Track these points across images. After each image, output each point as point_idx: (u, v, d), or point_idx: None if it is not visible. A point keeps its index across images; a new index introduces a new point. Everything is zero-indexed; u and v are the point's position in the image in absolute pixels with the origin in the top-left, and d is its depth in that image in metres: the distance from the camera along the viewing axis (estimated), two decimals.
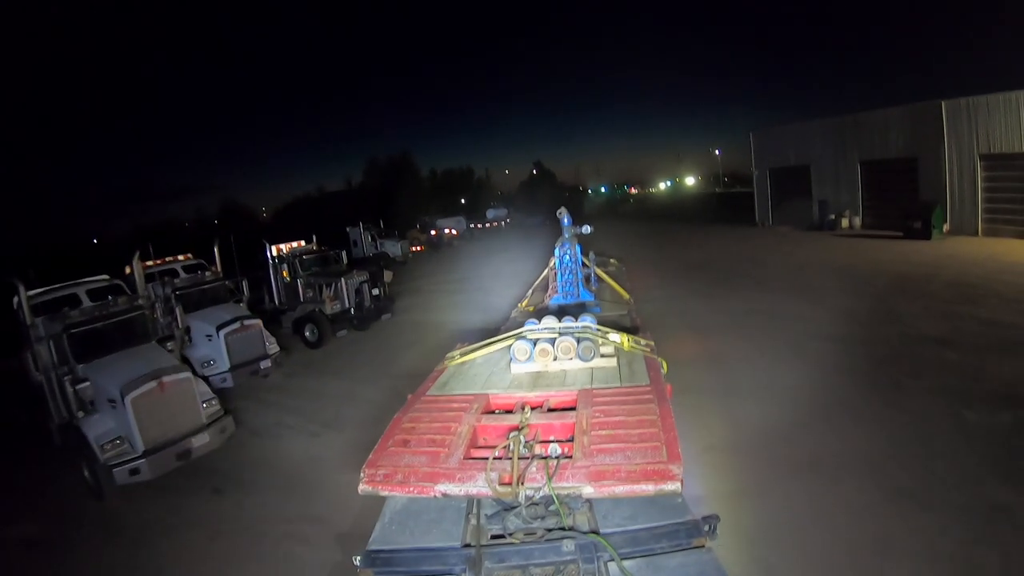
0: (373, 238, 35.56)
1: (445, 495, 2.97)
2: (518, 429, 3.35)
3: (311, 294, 16.21)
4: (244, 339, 12.64)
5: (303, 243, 18.32)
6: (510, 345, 4.76)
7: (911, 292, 14.70)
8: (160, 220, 63.75)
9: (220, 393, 10.23)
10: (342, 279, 15.69)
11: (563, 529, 2.93)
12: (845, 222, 28.45)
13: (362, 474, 3.11)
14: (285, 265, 16.87)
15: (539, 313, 6.57)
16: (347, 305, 15.69)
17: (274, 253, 17.11)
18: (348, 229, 36.15)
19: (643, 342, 4.89)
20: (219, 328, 12.40)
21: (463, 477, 3.01)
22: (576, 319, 4.93)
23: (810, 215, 31.04)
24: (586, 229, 7.55)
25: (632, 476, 2.85)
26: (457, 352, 5.26)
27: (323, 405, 11.19)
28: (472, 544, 2.95)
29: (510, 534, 2.97)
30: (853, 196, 28.50)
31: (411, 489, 3.01)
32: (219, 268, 14.96)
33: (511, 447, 3.14)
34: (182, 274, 15.78)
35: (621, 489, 2.81)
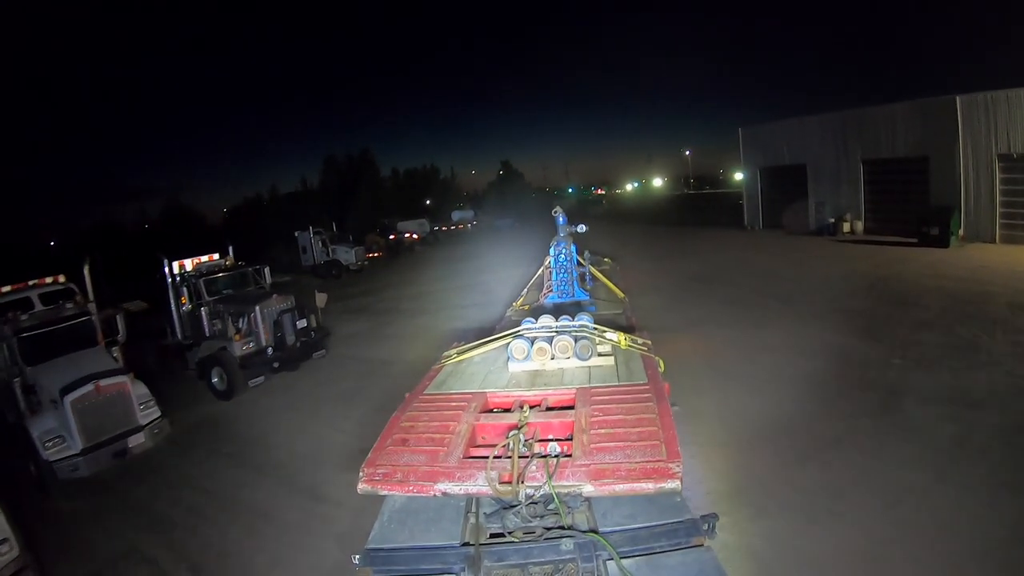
0: (324, 244, 31.54)
1: (445, 494, 3.00)
2: (517, 428, 3.34)
3: (219, 327, 12.36)
4: (101, 407, 8.93)
5: (215, 256, 14.41)
6: (507, 344, 4.76)
7: (977, 319, 11.93)
8: (100, 223, 56.89)
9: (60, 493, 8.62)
10: (256, 308, 11.90)
11: (562, 528, 2.89)
12: (846, 226, 25.99)
13: (361, 473, 3.10)
14: (186, 288, 12.97)
15: (535, 312, 6.56)
16: (263, 343, 11.91)
17: (175, 271, 13.22)
18: (297, 234, 32.13)
19: (640, 341, 4.89)
20: (63, 393, 8.61)
21: (463, 476, 3.03)
22: (573, 318, 4.92)
23: (806, 218, 28.57)
24: (581, 228, 7.52)
25: (632, 474, 2.88)
26: (454, 351, 5.20)
27: (209, 518, 7.48)
28: (471, 543, 2.92)
29: (510, 532, 2.92)
30: (854, 198, 26.05)
31: (411, 488, 3.02)
32: (90, 296, 11.05)
33: (510, 446, 3.13)
34: (38, 305, 11.63)
35: (621, 487, 2.84)
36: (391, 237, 38.15)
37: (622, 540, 2.82)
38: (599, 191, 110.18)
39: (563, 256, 7.19)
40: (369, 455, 3.28)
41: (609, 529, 2.91)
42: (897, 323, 12.19)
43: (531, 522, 2.96)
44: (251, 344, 11.91)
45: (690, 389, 8.91)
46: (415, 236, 40.01)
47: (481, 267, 26.92)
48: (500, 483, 2.95)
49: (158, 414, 9.65)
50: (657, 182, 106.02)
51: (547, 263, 7.93)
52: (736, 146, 33.59)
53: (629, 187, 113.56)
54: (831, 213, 26.82)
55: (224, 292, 13.38)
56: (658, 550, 2.79)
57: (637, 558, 2.75)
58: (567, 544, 2.79)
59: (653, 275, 19.43)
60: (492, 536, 3.02)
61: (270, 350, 11.84)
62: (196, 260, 14.00)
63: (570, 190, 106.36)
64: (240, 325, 12.20)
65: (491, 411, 4.03)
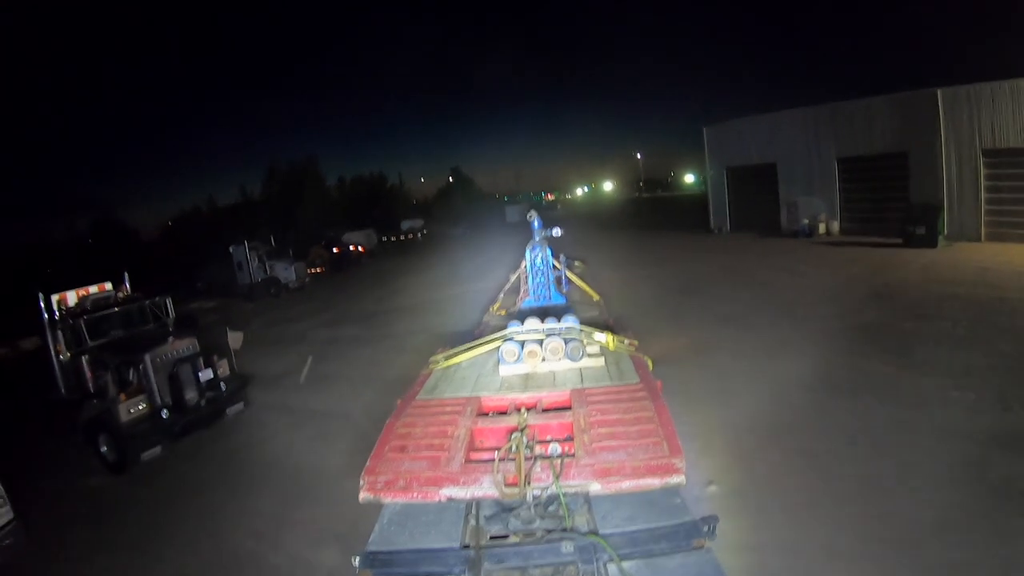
0: (261, 259, 28.15)
1: (451, 499, 3.01)
2: (518, 430, 3.35)
3: (103, 380, 9.47)
4: None
5: (106, 287, 11.45)
6: (495, 348, 4.77)
7: (1012, 332, 10.39)
8: (18, 242, 50.07)
9: None
10: (146, 357, 9.04)
11: (563, 530, 2.89)
12: (822, 227, 24.78)
13: (362, 482, 3.14)
14: (63, 330, 10.02)
15: (511, 316, 6.59)
16: (157, 402, 9.06)
17: (55, 306, 10.28)
18: (231, 249, 28.59)
19: (627, 341, 4.96)
20: None
21: (467, 480, 3.04)
22: (559, 320, 4.88)
23: (777, 220, 27.29)
24: (556, 232, 7.51)
25: (637, 471, 2.94)
26: (441, 355, 5.19)
27: None
28: (471, 545, 2.92)
29: (515, 533, 2.95)
30: (829, 198, 24.87)
31: (415, 495, 3.03)
32: None
33: (514, 448, 3.14)
34: None
35: (627, 484, 2.91)
36: (335, 250, 34.97)
37: (622, 542, 2.80)
38: (549, 196, 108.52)
39: (539, 260, 7.16)
40: (368, 463, 3.27)
41: (609, 531, 2.89)
42: (928, 342, 10.45)
43: (531, 524, 2.97)
44: (141, 405, 9.05)
45: (729, 464, 6.77)
46: (360, 248, 36.94)
47: (432, 282, 24.39)
48: (506, 485, 2.96)
49: (10, 516, 7.27)
50: (608, 186, 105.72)
51: (523, 267, 7.73)
52: (688, 148, 32.93)
53: (579, 192, 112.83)
54: (804, 214, 25.60)
55: (112, 334, 10.48)
56: (658, 552, 2.76)
57: (637, 560, 2.73)
58: (567, 546, 2.77)
59: (630, 287, 17.37)
60: (492, 538, 3.01)
61: (165, 412, 8.98)
62: (81, 292, 11.05)
63: (537, 197, 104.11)
64: (131, 378, 9.34)
65: (486, 415, 4.00)
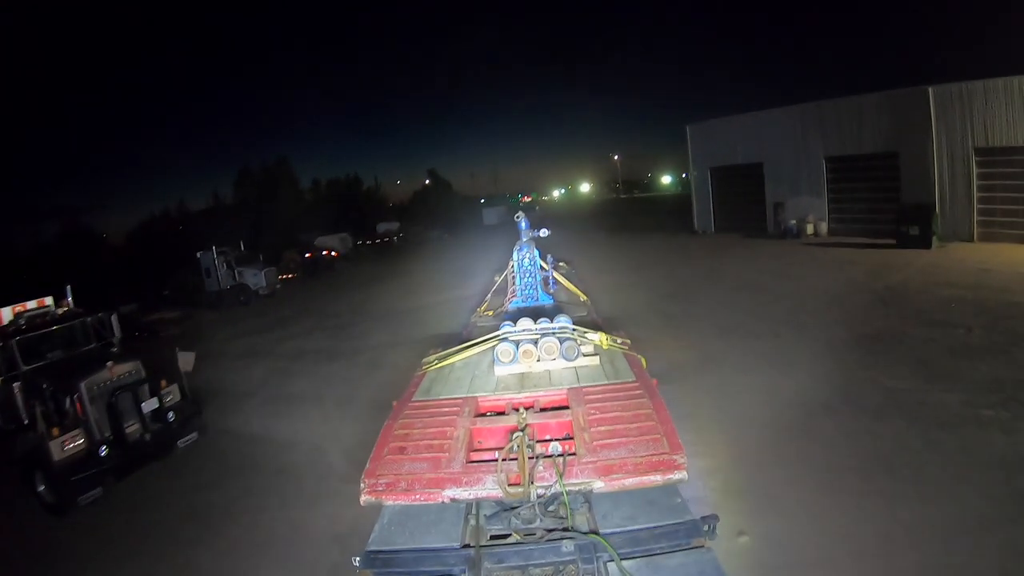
0: (229, 265, 26.70)
1: (454, 500, 2.98)
2: (518, 430, 3.29)
3: (38, 411, 8.20)
4: None
5: (46, 302, 10.18)
6: (489, 348, 4.80)
7: None
8: None
9: None
10: (81, 386, 7.83)
11: (563, 529, 2.88)
12: (810, 228, 24.30)
13: (362, 484, 3.06)
14: None
15: (500, 317, 6.67)
16: (96, 437, 7.85)
17: None
18: (199, 255, 27.05)
19: (619, 340, 4.95)
20: None
21: (470, 481, 3.01)
22: (551, 320, 4.89)
23: (763, 221, 26.80)
24: (543, 232, 7.53)
25: (640, 468, 2.92)
26: (433, 357, 5.14)
27: None
28: (471, 545, 2.89)
29: (515, 533, 2.95)
30: (817, 198, 24.39)
31: (417, 496, 2.99)
32: None
33: (516, 447, 3.09)
34: None
35: (631, 481, 2.88)
36: (307, 256, 33.57)
37: (622, 541, 2.79)
38: (527, 198, 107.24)
39: (527, 260, 7.14)
40: (368, 465, 3.22)
41: (609, 530, 2.87)
42: (945, 352, 9.77)
43: (532, 524, 2.96)
44: (79, 440, 7.82)
45: (761, 506, 5.90)
46: (333, 253, 35.56)
47: (409, 288, 23.29)
48: (509, 485, 2.93)
49: None
50: (584, 187, 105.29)
51: (511, 267, 7.69)
52: (666, 149, 32.34)
53: (556, 193, 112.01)
54: (791, 214, 25.11)
55: (50, 356, 9.21)
56: (658, 551, 2.75)
57: (637, 559, 2.71)
58: (568, 545, 2.76)
59: (618, 292, 16.52)
60: (492, 538, 3.02)
61: (104, 448, 7.78)
62: (17, 308, 9.78)
63: (514, 199, 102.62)
64: (68, 407, 8.11)
65: (484, 415, 3.97)
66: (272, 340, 16.74)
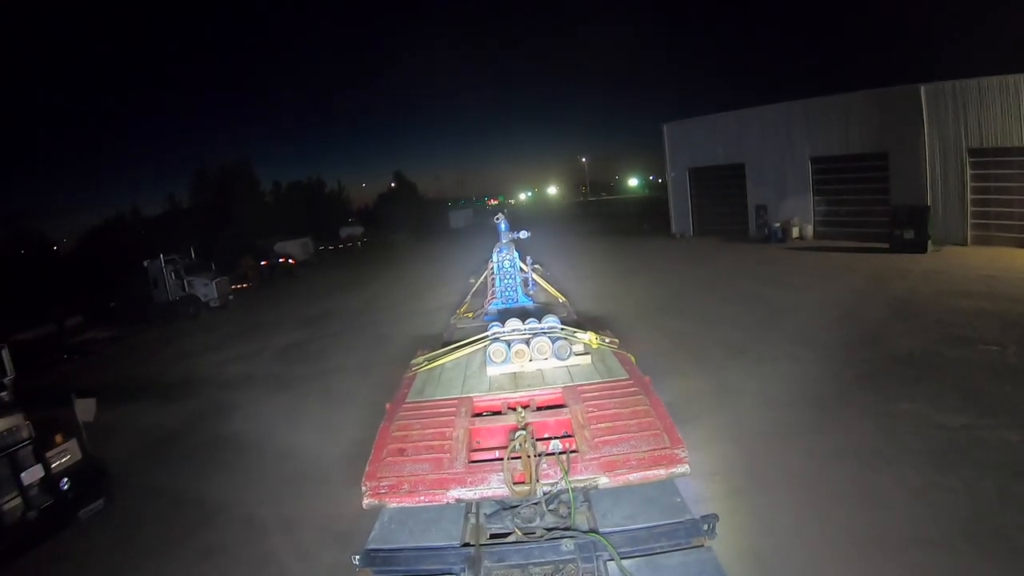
0: (178, 275, 24.43)
1: (459, 500, 2.95)
2: (520, 429, 3.27)
3: None
4: None
5: None
6: (478, 349, 4.82)
7: None
8: None
9: None
10: None
11: (563, 528, 2.85)
12: (795, 231, 23.43)
13: (364, 487, 3.00)
14: None
15: (480, 319, 6.89)
16: None
17: None
18: (146, 263, 24.69)
19: (607, 339, 4.95)
20: None
21: (474, 480, 2.99)
22: (539, 321, 4.85)
23: (745, 224, 25.89)
24: (523, 234, 7.54)
25: (643, 463, 2.92)
26: (422, 358, 5.08)
27: None
28: (471, 543, 2.87)
29: (516, 531, 2.91)
30: (802, 200, 23.54)
31: (421, 498, 2.95)
32: None
33: (519, 446, 3.07)
34: None
35: (635, 476, 2.88)
36: (263, 263, 31.29)
37: (622, 540, 2.76)
38: (493, 201, 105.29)
39: (507, 262, 7.15)
40: (368, 468, 3.16)
41: (609, 529, 2.85)
42: (988, 375, 8.63)
43: (532, 522, 2.94)
44: None
45: None
46: (291, 260, 33.37)
47: (372, 298, 21.53)
48: (514, 483, 2.92)
49: None
50: (551, 190, 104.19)
51: (490, 269, 7.77)
52: (633, 151, 31.02)
53: (523, 196, 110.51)
54: (775, 217, 24.24)
55: None
56: (658, 550, 2.73)
57: (637, 558, 2.69)
58: (568, 544, 2.74)
59: (603, 303, 15.17)
60: (492, 536, 3.00)
61: None
62: None
63: (461, 202, 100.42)
64: None
65: (480, 415, 3.91)
66: (216, 362, 14.74)
